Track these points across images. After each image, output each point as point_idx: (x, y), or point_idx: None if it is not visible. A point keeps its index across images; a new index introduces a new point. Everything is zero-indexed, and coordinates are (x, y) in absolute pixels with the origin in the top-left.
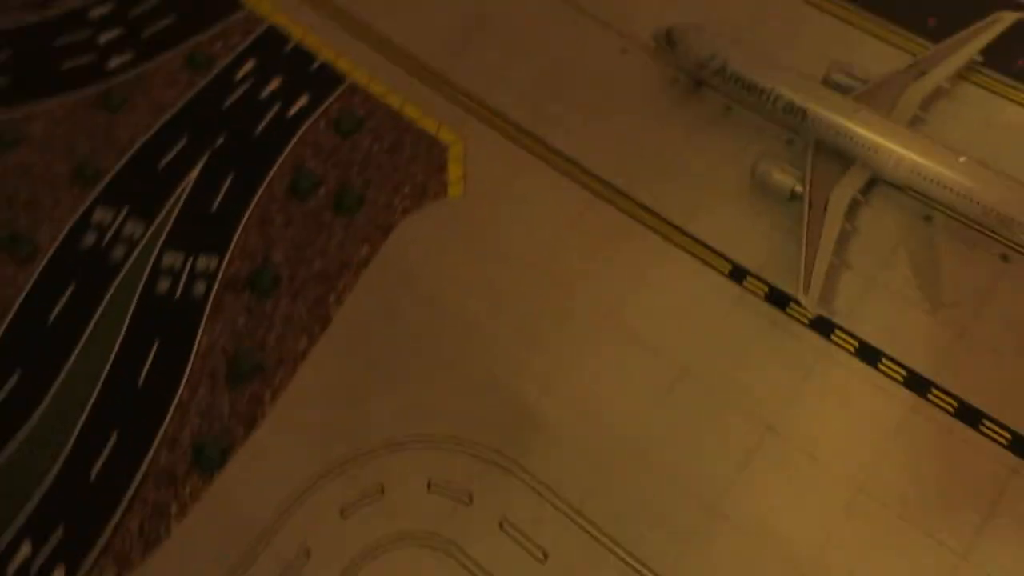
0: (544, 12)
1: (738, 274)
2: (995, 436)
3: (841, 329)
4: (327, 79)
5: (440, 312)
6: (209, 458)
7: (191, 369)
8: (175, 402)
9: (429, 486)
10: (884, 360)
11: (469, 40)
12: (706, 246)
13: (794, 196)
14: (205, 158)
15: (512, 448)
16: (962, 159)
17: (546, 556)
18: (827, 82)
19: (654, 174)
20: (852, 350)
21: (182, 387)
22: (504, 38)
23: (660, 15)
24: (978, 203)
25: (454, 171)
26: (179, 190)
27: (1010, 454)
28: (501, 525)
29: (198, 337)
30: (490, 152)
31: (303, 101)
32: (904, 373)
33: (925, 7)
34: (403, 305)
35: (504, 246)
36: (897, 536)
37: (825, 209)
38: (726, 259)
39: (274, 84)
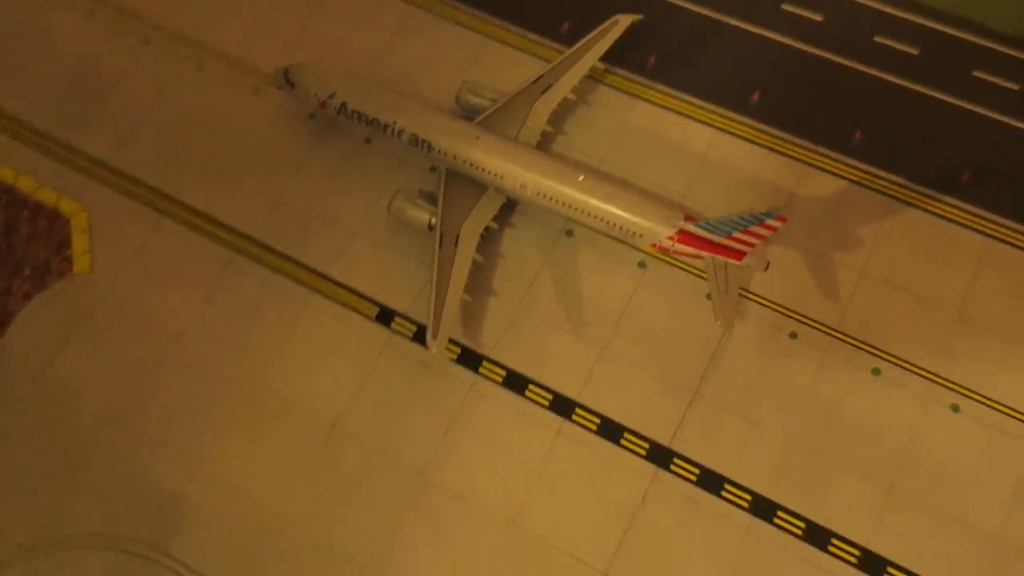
0: (168, 60)
1: (386, 316)
2: (635, 448)
3: (488, 360)
4: None
5: (74, 402)
6: None
7: None
8: None
9: None
10: (531, 386)
11: (89, 98)
12: (352, 291)
13: (432, 228)
14: None
15: (156, 536)
16: (581, 178)
17: None
18: (461, 104)
19: (295, 221)
20: (500, 381)
21: None
22: (127, 92)
23: (293, 50)
24: (599, 218)
25: (79, 244)
26: None
27: (649, 464)
28: None
29: None
30: (119, 218)
31: None
32: (550, 397)
33: (557, 13)
34: (30, 399)
35: (143, 320)
36: (548, 562)
37: (456, 243)
38: (373, 302)
39: None
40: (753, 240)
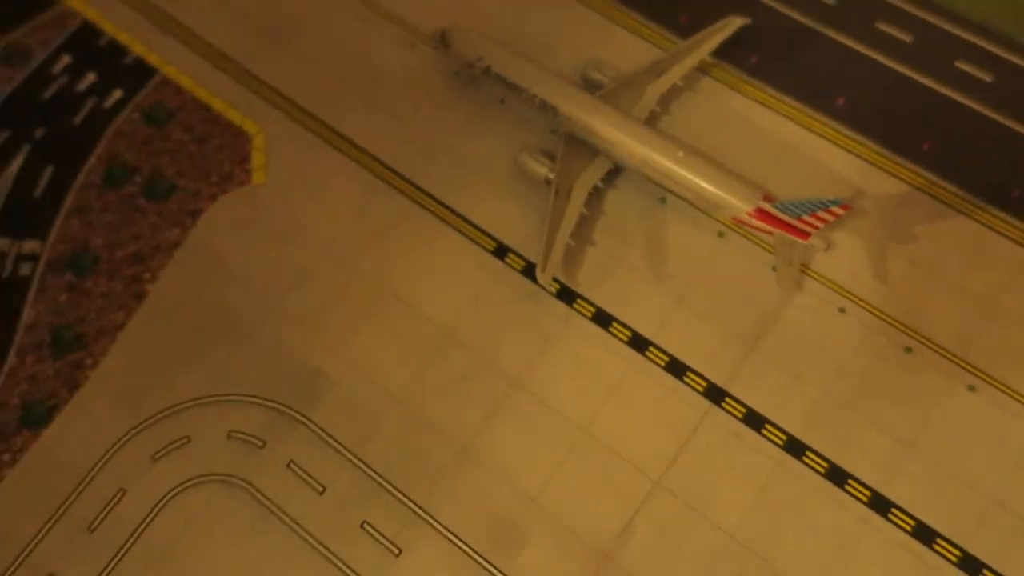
0: (341, 10)
1: (500, 251)
2: (694, 385)
3: (581, 298)
4: (140, 73)
5: (243, 287)
6: (36, 417)
7: (19, 341)
8: (5, 370)
9: (229, 435)
10: (614, 324)
11: (273, 36)
12: (475, 226)
13: (548, 182)
14: (26, 150)
15: (301, 402)
16: (680, 153)
17: (324, 489)
18: (584, 78)
19: (433, 160)
20: (589, 316)
21: (11, 356)
22: (304, 34)
23: (446, 13)
24: (690, 189)
25: (257, 160)
26: (3, 180)
27: (705, 399)
28: (288, 465)
29: (24, 313)
30: (289, 141)
31: (118, 94)
32: (629, 334)
33: (678, 6)
34: (210, 281)
35: (301, 228)
36: (609, 467)
37: (569, 196)
38: (491, 237)
39: (90, 78)
40: (818, 223)
